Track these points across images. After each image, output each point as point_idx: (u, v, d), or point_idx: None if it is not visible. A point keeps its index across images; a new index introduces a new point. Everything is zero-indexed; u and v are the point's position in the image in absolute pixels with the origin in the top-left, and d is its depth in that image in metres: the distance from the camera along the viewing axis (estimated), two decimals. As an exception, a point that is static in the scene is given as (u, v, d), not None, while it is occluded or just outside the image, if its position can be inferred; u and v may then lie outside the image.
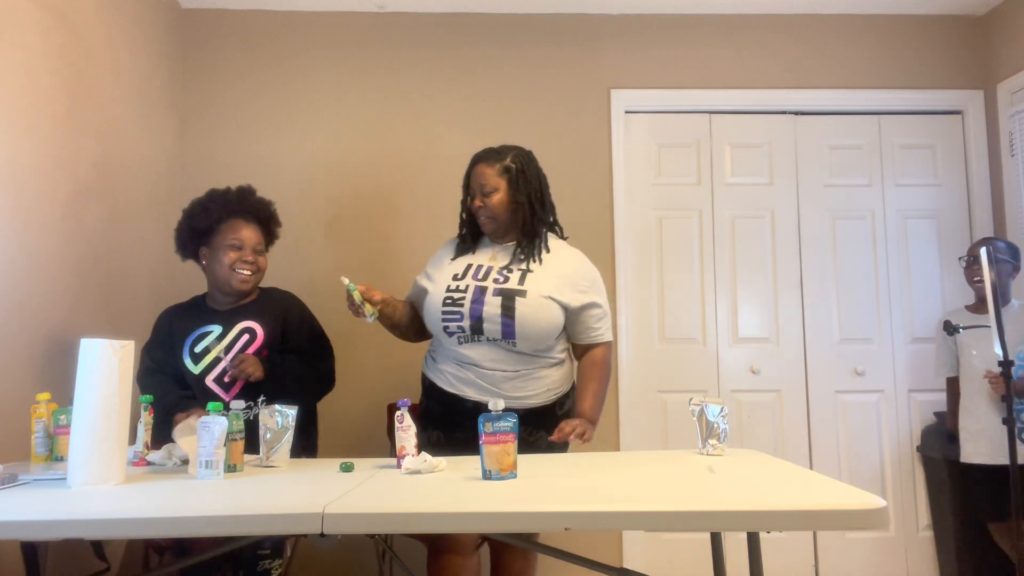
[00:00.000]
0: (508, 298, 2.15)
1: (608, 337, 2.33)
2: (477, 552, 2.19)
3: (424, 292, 2.30)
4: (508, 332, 2.15)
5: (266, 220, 2.48)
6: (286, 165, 3.43)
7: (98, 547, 2.42)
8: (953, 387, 3.09)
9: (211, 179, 3.40)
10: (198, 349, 2.30)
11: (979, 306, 2.96)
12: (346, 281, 2.15)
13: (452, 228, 2.45)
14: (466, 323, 2.17)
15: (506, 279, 2.20)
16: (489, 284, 2.19)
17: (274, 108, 3.48)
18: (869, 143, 3.63)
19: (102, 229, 2.74)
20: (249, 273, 2.35)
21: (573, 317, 2.25)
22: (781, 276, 3.56)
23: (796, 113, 3.63)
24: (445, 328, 2.20)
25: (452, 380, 2.22)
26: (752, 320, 3.52)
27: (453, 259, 2.33)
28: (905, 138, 3.63)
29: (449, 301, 2.19)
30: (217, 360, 2.30)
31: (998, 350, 2.49)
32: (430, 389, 2.31)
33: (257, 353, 2.32)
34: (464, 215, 2.37)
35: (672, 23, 3.60)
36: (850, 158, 3.62)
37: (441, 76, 3.53)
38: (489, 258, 2.29)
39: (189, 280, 3.34)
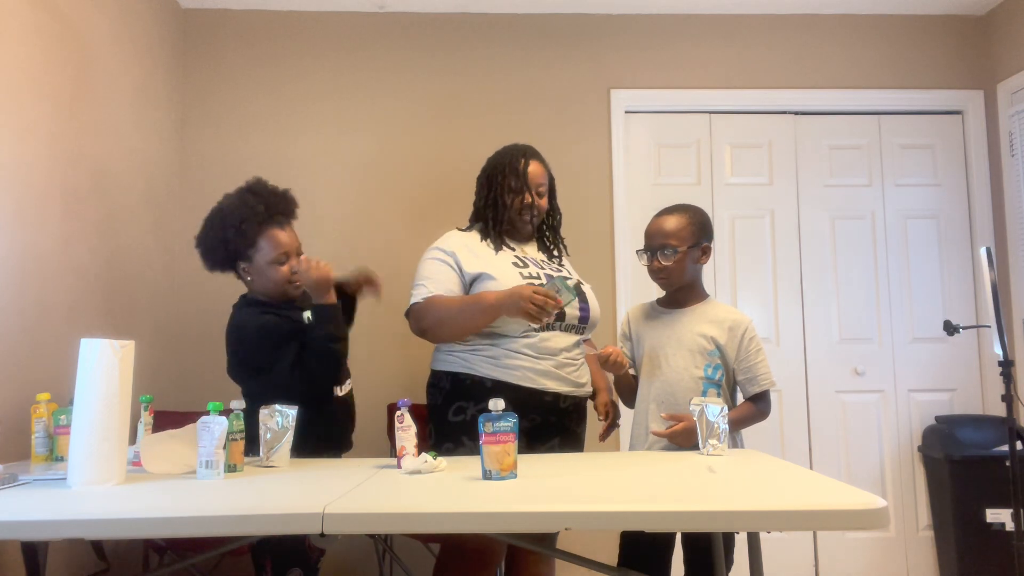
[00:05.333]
0: (578, 286, 2.20)
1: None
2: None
3: (476, 278, 2.14)
4: (584, 318, 2.19)
5: (291, 213, 2.33)
6: (285, 164, 3.43)
7: (98, 547, 2.42)
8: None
9: (210, 178, 3.41)
10: None
11: (668, 299, 2.28)
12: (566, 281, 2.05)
13: (447, 226, 2.38)
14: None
15: (559, 270, 2.28)
16: (553, 274, 2.20)
17: (273, 108, 3.48)
18: (869, 143, 3.63)
19: (102, 229, 2.75)
20: (301, 282, 2.21)
21: None
22: (781, 276, 3.56)
23: (796, 113, 3.63)
24: None
25: (530, 375, 2.09)
26: (752, 320, 3.51)
27: (485, 245, 2.22)
28: (905, 138, 3.63)
29: None
30: None
31: (998, 350, 2.49)
32: (495, 389, 2.05)
33: None
34: (491, 208, 2.26)
35: (672, 23, 3.60)
36: (850, 158, 3.62)
37: (441, 76, 3.53)
38: (520, 251, 2.27)
39: (188, 280, 3.34)
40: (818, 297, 3.55)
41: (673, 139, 3.61)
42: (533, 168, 2.26)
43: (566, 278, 2.06)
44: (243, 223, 2.14)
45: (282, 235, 2.19)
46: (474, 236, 2.28)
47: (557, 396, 2.11)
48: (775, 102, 3.60)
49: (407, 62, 3.53)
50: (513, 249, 2.26)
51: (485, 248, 2.23)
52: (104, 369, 1.62)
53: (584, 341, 2.34)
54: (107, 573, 2.46)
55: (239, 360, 2.14)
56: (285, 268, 2.17)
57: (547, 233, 2.39)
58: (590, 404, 2.35)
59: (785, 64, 3.60)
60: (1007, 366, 2.48)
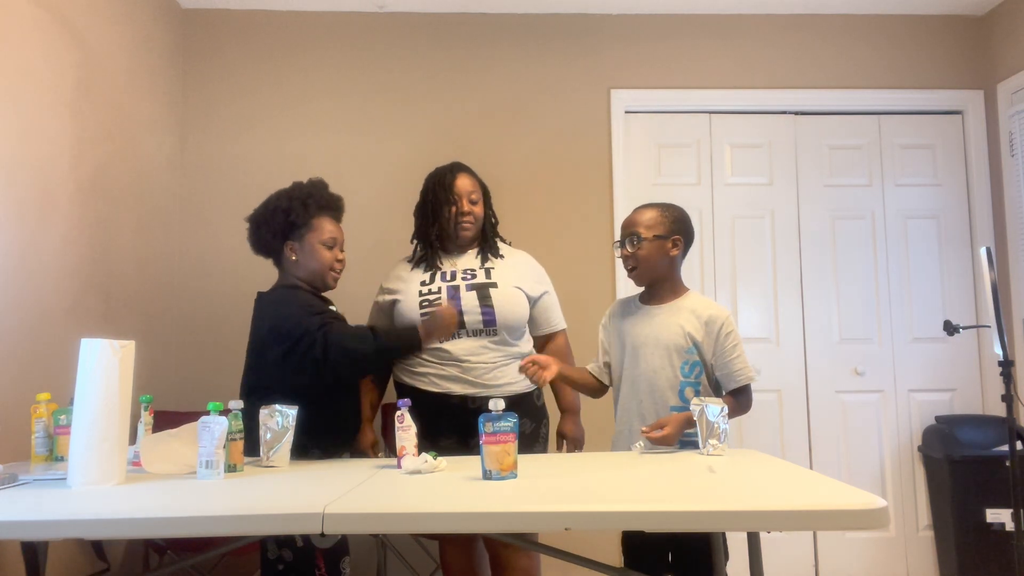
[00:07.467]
0: (482, 290, 2.30)
1: (563, 324, 2.51)
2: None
3: (392, 304, 2.37)
4: (489, 320, 2.28)
5: (340, 215, 2.46)
6: (285, 165, 3.43)
7: (98, 547, 2.42)
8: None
9: (211, 178, 3.41)
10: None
11: (647, 295, 2.27)
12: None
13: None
14: None
15: (473, 276, 2.34)
16: (460, 283, 2.32)
17: (274, 108, 3.48)
18: (869, 143, 3.63)
19: (102, 229, 2.75)
20: (339, 273, 2.35)
21: (532, 306, 2.40)
22: (781, 276, 3.56)
23: (796, 113, 3.63)
24: None
25: (435, 380, 2.27)
26: (752, 320, 3.52)
27: (412, 270, 2.40)
28: (905, 138, 3.63)
29: (426, 303, 2.29)
30: None
31: (998, 350, 2.49)
32: (409, 395, 2.19)
33: None
34: (422, 224, 2.41)
35: (672, 23, 3.60)
36: (850, 158, 3.62)
37: (441, 76, 3.53)
38: (450, 264, 2.39)
39: (189, 280, 3.34)
40: (818, 297, 3.55)
41: (673, 139, 3.61)
42: (461, 180, 2.40)
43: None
44: (309, 198, 2.30)
45: (335, 225, 2.35)
46: (405, 267, 2.44)
47: (464, 398, 2.24)
48: (775, 102, 3.60)
49: (407, 62, 3.53)
50: (440, 266, 2.38)
51: (406, 275, 2.40)
52: (104, 369, 1.63)
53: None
54: (107, 573, 2.46)
55: (273, 324, 2.16)
56: (330, 254, 2.29)
57: (489, 238, 2.47)
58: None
59: (785, 64, 3.60)
60: (1007, 366, 2.48)
